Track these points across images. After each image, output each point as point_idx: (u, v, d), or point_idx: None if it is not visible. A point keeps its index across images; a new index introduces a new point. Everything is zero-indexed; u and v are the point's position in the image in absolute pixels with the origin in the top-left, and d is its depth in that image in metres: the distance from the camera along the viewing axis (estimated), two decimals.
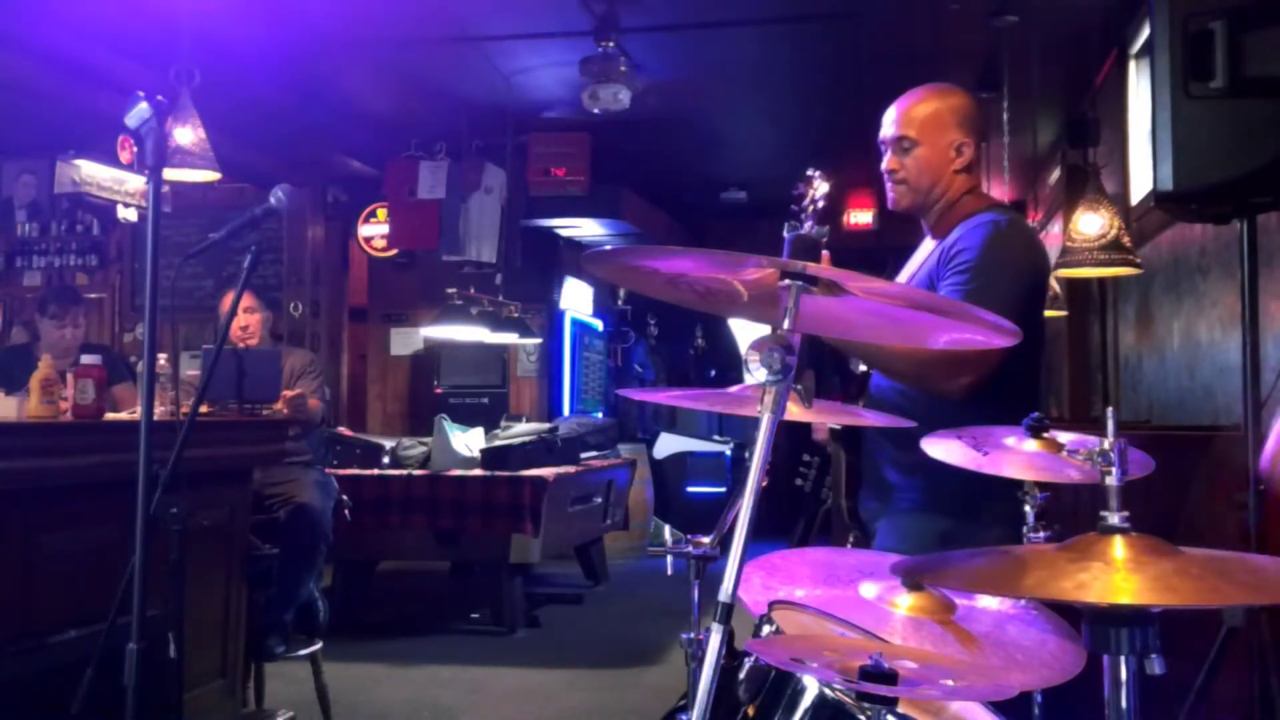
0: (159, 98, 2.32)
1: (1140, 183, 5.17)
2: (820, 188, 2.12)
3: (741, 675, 1.50)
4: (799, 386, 1.42)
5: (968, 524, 2.20)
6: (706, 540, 1.84)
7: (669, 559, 1.88)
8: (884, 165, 2.41)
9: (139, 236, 8.58)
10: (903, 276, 2.47)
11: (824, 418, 2.08)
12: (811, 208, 2.14)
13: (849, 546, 2.40)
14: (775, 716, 1.47)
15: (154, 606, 2.31)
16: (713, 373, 11.76)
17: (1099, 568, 1.16)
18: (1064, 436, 1.79)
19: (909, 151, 2.37)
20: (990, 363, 2.13)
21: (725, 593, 1.33)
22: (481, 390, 9.19)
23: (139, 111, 2.31)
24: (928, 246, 2.46)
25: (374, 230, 8.90)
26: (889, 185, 2.41)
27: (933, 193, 2.39)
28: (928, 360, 2.16)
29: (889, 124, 2.40)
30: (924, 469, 1.92)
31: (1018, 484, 1.79)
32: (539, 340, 9.15)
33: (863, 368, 2.47)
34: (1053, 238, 7.43)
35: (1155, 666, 1.19)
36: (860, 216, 9.17)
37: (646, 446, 9.64)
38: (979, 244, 2.25)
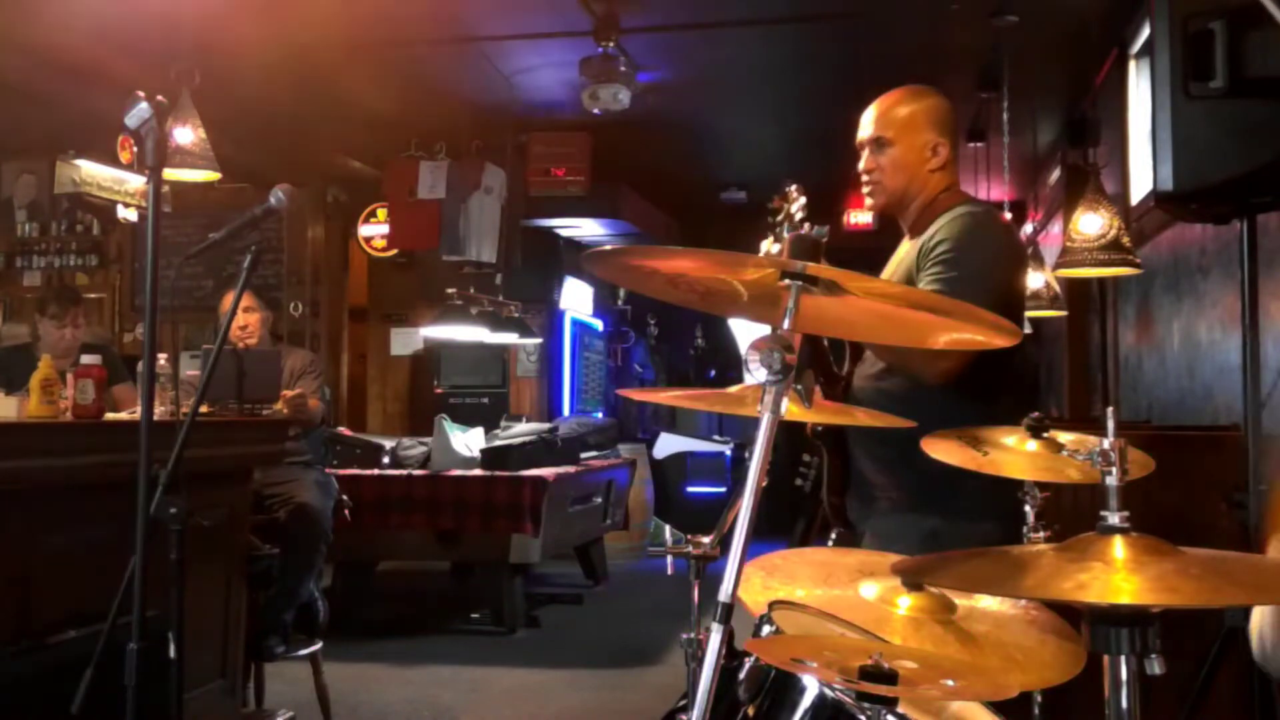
0: (159, 98, 2.32)
1: (1140, 183, 5.16)
2: (797, 200, 2.13)
3: (741, 675, 1.50)
4: (799, 386, 1.42)
5: (955, 521, 2.20)
6: (706, 540, 1.84)
7: (669, 559, 1.88)
8: (861, 166, 2.44)
9: (139, 236, 8.58)
10: (884, 276, 2.48)
11: (824, 418, 2.08)
12: (787, 222, 2.15)
13: (829, 543, 2.40)
14: (775, 716, 1.47)
15: (154, 606, 2.31)
16: (713, 373, 11.76)
17: (1099, 568, 1.16)
18: (1064, 436, 1.79)
19: (884, 151, 2.40)
20: (970, 351, 2.13)
21: (725, 593, 1.33)
22: (481, 390, 9.19)
23: (139, 111, 2.31)
24: (905, 246, 2.48)
25: (374, 230, 8.90)
26: (865, 186, 2.44)
27: (908, 192, 2.42)
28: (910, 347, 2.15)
29: (866, 125, 2.44)
30: (904, 467, 1.92)
31: (1005, 478, 1.79)
32: (539, 340, 9.15)
33: (845, 369, 2.48)
34: (1053, 238, 7.44)
35: (1155, 666, 1.19)
36: (860, 216, 9.17)
37: (646, 446, 9.64)
38: (956, 234, 2.27)
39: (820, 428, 2.42)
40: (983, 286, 2.16)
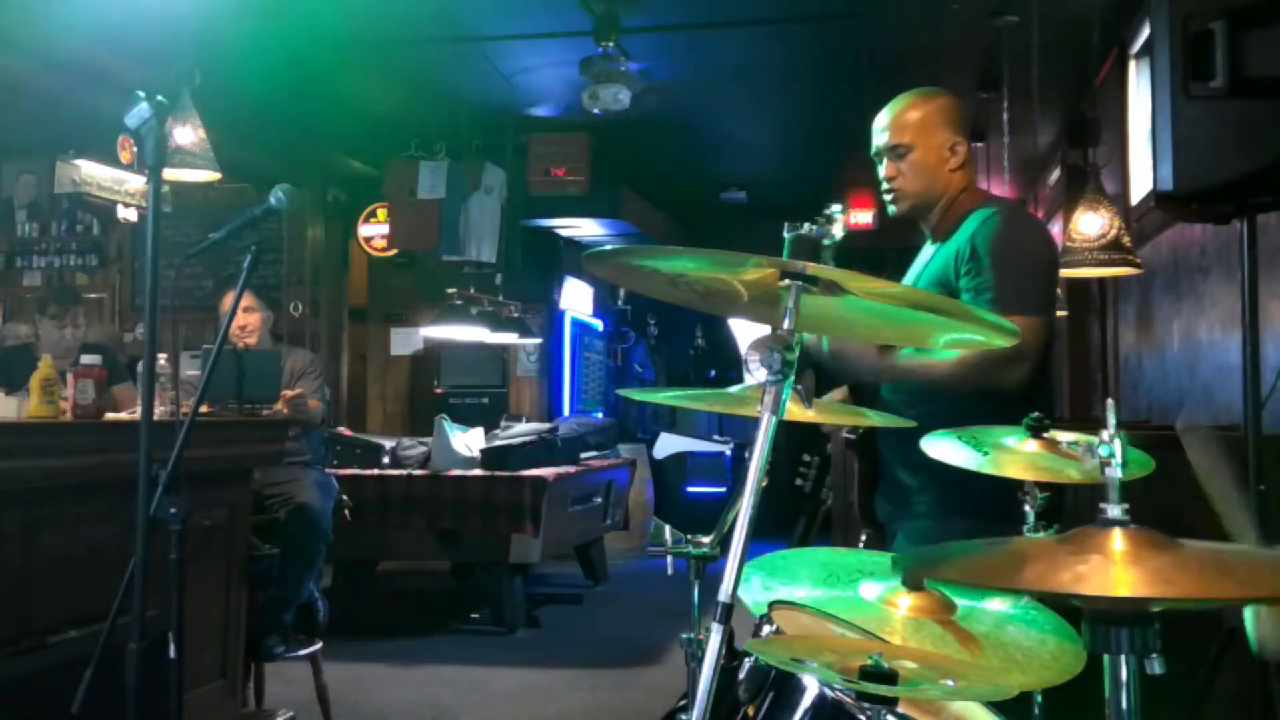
0: (159, 98, 2.32)
1: (1140, 183, 5.17)
2: (838, 222, 2.12)
3: (741, 675, 1.50)
4: (799, 386, 1.42)
5: (989, 521, 2.18)
6: (706, 540, 1.84)
7: (669, 559, 1.88)
8: (882, 174, 2.42)
9: (139, 236, 8.58)
10: (909, 281, 2.47)
11: (824, 418, 2.08)
12: (833, 248, 2.15)
13: (861, 545, 2.40)
14: (775, 716, 1.47)
15: (154, 606, 2.31)
16: (713, 373, 11.76)
17: (1097, 560, 1.16)
18: (1064, 436, 1.79)
19: (904, 157, 2.39)
20: (1040, 347, 2.16)
21: (725, 593, 1.33)
22: (481, 390, 9.18)
23: (139, 111, 2.31)
24: (928, 250, 2.46)
25: (374, 230, 8.89)
26: (888, 194, 2.43)
27: (931, 194, 2.40)
28: (982, 360, 2.15)
29: (880, 133, 2.42)
30: (939, 471, 1.91)
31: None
32: (539, 340, 9.15)
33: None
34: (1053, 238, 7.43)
35: (1155, 666, 1.19)
36: (860, 216, 9.17)
37: (646, 446, 9.63)
38: (992, 235, 2.26)
39: (855, 435, 2.42)
40: (1029, 291, 2.20)
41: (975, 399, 2.18)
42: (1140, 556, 1.15)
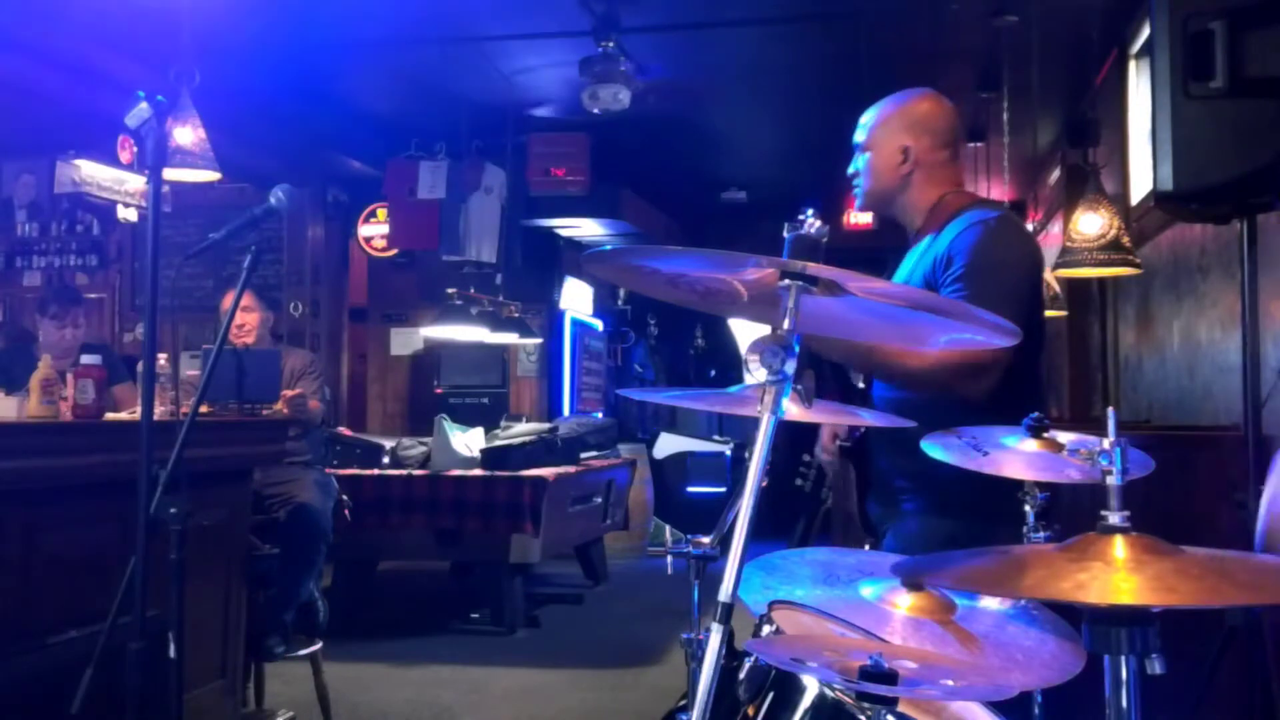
0: (159, 98, 2.32)
1: (1140, 183, 5.17)
2: (814, 226, 2.13)
3: (741, 675, 1.50)
4: (799, 386, 1.42)
5: (974, 524, 2.18)
6: (706, 540, 1.84)
7: (669, 559, 1.88)
8: (849, 169, 2.51)
9: (139, 236, 8.58)
10: (898, 278, 2.47)
11: (824, 418, 2.08)
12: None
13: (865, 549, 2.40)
14: (775, 716, 1.47)
15: (154, 606, 2.31)
16: (713, 373, 11.76)
17: (1099, 567, 1.16)
18: (1064, 436, 1.79)
19: (861, 156, 2.46)
20: (1006, 362, 2.14)
21: (725, 593, 1.33)
22: (481, 390, 9.19)
23: (139, 111, 2.31)
24: (919, 247, 2.47)
25: (374, 230, 8.90)
26: (854, 187, 2.51)
27: (885, 194, 2.46)
28: (948, 365, 2.15)
29: (856, 130, 2.50)
30: (927, 473, 1.91)
31: (1020, 481, 1.79)
32: (539, 340, 9.15)
33: (861, 384, 2.48)
34: (1053, 238, 7.44)
35: (1155, 666, 1.19)
36: (860, 216, 9.17)
37: (646, 446, 9.63)
38: (971, 247, 2.26)
39: (849, 442, 2.43)
40: (1004, 302, 2.17)
41: (951, 410, 2.17)
42: (1142, 563, 1.15)
